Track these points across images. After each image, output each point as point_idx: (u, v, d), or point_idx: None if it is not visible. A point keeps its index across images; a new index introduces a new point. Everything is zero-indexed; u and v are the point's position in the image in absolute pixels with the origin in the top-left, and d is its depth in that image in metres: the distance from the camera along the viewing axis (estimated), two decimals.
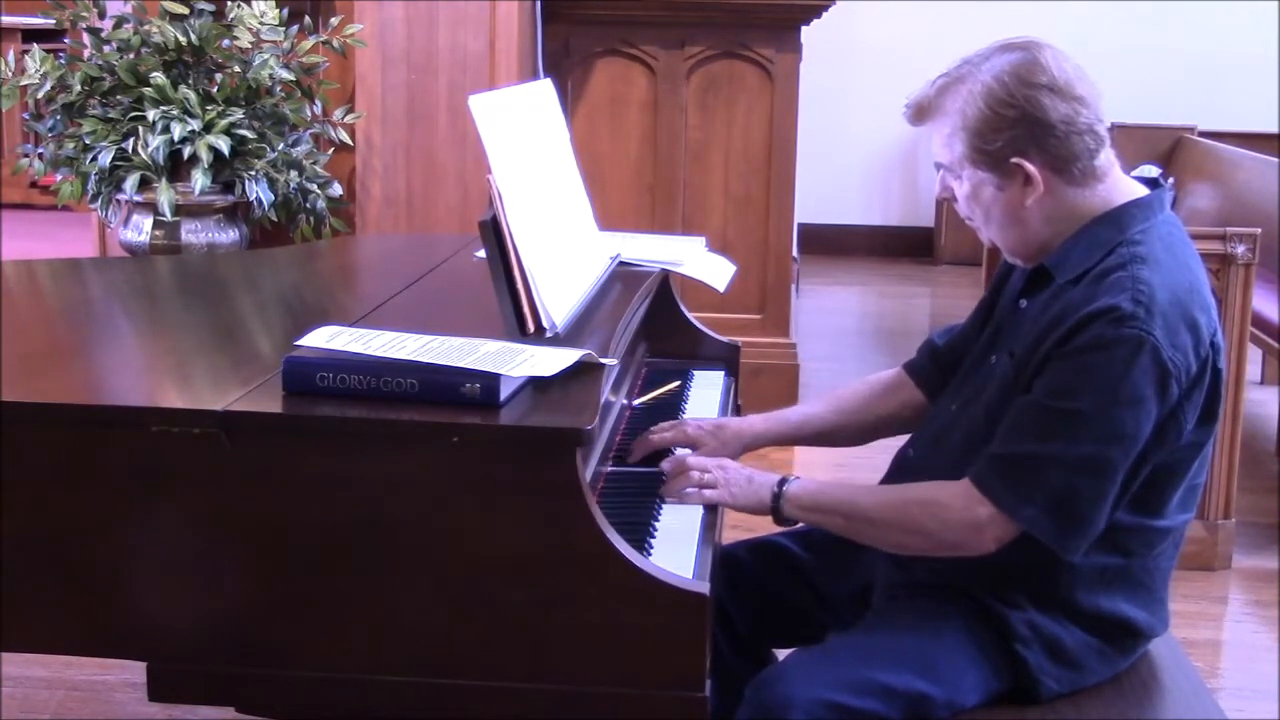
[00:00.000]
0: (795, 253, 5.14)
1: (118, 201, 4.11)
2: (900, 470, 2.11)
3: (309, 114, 4.23)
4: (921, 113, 1.95)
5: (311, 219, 4.18)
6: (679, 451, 2.14)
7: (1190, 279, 1.88)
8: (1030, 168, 1.88)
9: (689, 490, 2.00)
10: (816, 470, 4.34)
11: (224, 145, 3.89)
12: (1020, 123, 1.86)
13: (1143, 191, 1.94)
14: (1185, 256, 1.91)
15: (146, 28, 4.04)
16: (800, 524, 2.10)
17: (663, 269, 2.55)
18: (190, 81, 4.03)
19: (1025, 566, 1.91)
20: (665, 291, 2.63)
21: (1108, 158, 1.92)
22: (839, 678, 1.84)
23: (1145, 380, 1.80)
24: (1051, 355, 1.84)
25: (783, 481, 1.98)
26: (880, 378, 2.30)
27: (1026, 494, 1.83)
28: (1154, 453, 1.86)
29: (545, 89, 2.35)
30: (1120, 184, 1.94)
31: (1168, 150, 5.97)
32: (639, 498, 1.99)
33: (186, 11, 4.05)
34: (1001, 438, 1.87)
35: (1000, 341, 2.01)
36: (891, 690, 1.85)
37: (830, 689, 1.82)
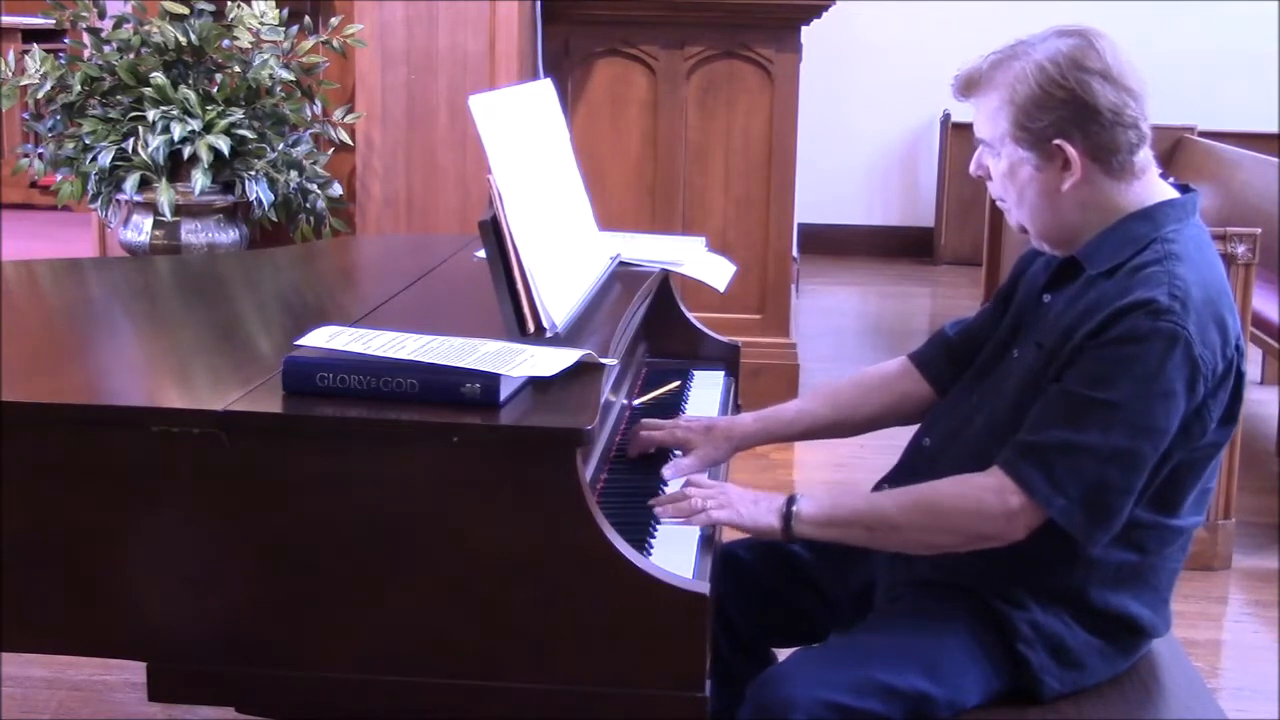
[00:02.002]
0: (795, 253, 5.14)
1: (118, 201, 4.11)
2: (915, 460, 2.08)
3: (309, 114, 4.23)
4: (970, 85, 1.94)
5: (311, 219, 4.19)
6: (671, 482, 2.07)
7: (1219, 281, 1.89)
8: (1071, 151, 1.87)
9: (696, 516, 1.92)
10: (814, 470, 4.34)
11: (224, 145, 3.89)
12: (1068, 105, 1.86)
13: (1175, 194, 1.95)
14: (1213, 259, 1.92)
15: (146, 28, 4.04)
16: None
17: (663, 269, 2.55)
18: (190, 81, 4.03)
19: (1040, 562, 1.90)
20: (665, 291, 2.63)
21: (1147, 157, 1.92)
22: (840, 678, 1.84)
23: (1177, 374, 1.80)
24: (1084, 346, 1.84)
25: (791, 500, 1.92)
26: (880, 370, 2.28)
27: (1060, 484, 1.82)
28: (1178, 449, 1.86)
29: (545, 89, 2.35)
30: (1155, 185, 1.94)
31: (1168, 150, 5.96)
32: (639, 498, 1.98)
33: (186, 11, 4.05)
34: (1031, 425, 1.86)
35: (1022, 335, 2.00)
36: (893, 690, 1.85)
37: (831, 689, 1.82)
